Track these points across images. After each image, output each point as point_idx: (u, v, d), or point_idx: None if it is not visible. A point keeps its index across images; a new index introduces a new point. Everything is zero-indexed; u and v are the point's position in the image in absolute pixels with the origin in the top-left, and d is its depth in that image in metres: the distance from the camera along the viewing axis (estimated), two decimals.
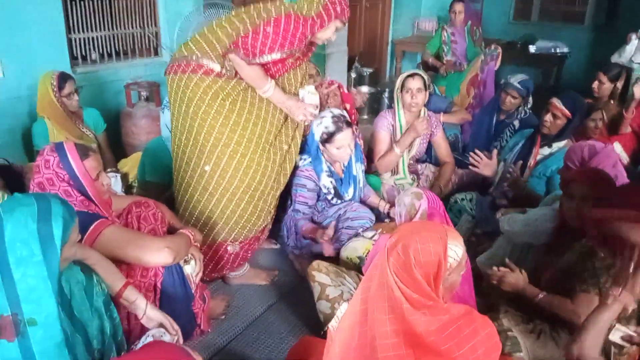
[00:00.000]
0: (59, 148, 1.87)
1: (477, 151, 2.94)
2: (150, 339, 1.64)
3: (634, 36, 2.47)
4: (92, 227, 1.84)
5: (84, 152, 1.91)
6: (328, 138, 2.63)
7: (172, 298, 2.00)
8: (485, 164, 2.91)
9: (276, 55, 2.34)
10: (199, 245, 2.24)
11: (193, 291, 2.11)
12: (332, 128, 2.61)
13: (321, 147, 2.69)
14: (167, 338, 1.69)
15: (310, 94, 2.55)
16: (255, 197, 2.46)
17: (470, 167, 2.97)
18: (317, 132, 2.65)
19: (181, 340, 1.81)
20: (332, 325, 1.47)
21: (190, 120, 2.35)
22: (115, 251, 1.87)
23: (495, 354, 1.31)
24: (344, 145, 2.65)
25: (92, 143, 3.40)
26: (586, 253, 1.89)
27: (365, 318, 1.32)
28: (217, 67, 2.32)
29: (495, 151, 3.01)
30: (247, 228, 2.50)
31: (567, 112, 2.79)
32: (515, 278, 2.01)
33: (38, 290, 1.34)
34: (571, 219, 2.06)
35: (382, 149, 3.28)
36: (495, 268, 2.08)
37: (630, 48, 2.51)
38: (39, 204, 1.40)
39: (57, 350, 1.36)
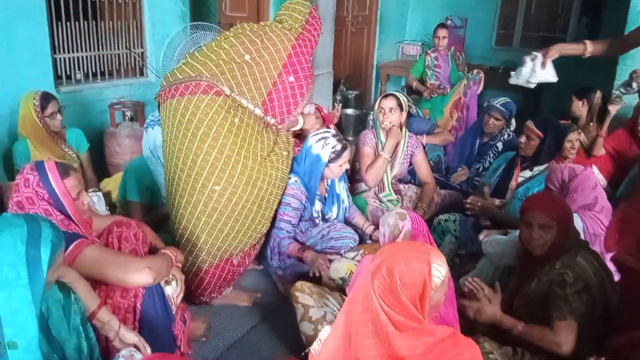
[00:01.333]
0: (39, 167, 1.85)
1: (472, 197, 2.98)
2: (121, 359, 1.61)
3: (528, 59, 2.58)
4: (72, 246, 1.81)
5: (64, 170, 1.89)
6: (335, 157, 2.66)
7: (152, 320, 1.97)
8: (483, 205, 2.95)
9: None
10: (180, 265, 2.21)
11: (174, 312, 2.08)
12: (339, 147, 2.66)
13: (327, 169, 2.70)
14: (137, 357, 1.65)
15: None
16: (262, 206, 2.49)
17: (467, 212, 3.01)
18: (325, 154, 2.65)
19: None
20: (315, 348, 1.45)
21: (199, 142, 2.29)
22: (94, 271, 1.84)
23: None
24: (346, 162, 2.72)
25: (75, 163, 3.36)
26: (557, 281, 1.91)
27: (348, 342, 1.31)
28: (227, 90, 2.34)
29: (486, 189, 3.07)
30: (248, 239, 2.51)
31: (538, 132, 2.90)
32: (493, 309, 2.01)
33: (21, 314, 1.32)
34: (529, 246, 2.04)
35: (365, 161, 3.32)
36: (469, 285, 2.09)
37: (525, 70, 2.62)
38: (29, 227, 1.38)
39: None
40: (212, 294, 2.53)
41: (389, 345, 1.25)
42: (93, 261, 1.84)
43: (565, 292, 1.87)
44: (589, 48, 2.57)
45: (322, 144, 2.66)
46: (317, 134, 2.70)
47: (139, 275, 1.89)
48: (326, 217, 2.82)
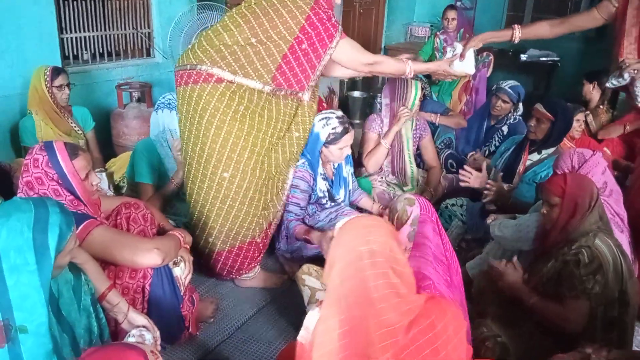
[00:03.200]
0: (48, 147, 1.86)
1: (466, 167, 2.96)
2: (131, 339, 1.63)
3: (448, 48, 2.59)
4: (81, 227, 1.82)
5: (73, 151, 1.89)
6: (334, 139, 2.64)
7: (161, 300, 1.99)
8: (475, 178, 2.92)
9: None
10: (188, 247, 2.23)
11: (182, 293, 2.10)
12: (339, 129, 2.63)
13: (324, 148, 2.69)
14: (148, 336, 1.67)
15: None
16: (273, 186, 2.51)
17: (460, 183, 2.98)
18: (324, 133, 2.64)
19: (159, 342, 1.79)
20: (303, 336, 1.40)
21: (205, 130, 2.30)
22: (103, 251, 1.86)
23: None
24: (347, 146, 2.68)
25: (81, 139, 3.40)
26: (572, 261, 1.91)
27: (347, 330, 1.25)
28: (228, 76, 2.29)
29: (484, 162, 3.03)
30: (265, 220, 2.54)
31: (548, 115, 2.84)
32: (516, 276, 2.05)
33: (30, 298, 1.33)
34: (545, 222, 2.09)
35: (369, 146, 3.31)
36: (499, 262, 2.12)
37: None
38: (37, 212, 1.39)
39: (47, 359, 1.35)
40: (241, 271, 2.58)
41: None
42: (102, 242, 1.86)
43: (580, 272, 1.88)
44: (517, 33, 2.54)
45: (324, 123, 2.64)
46: (322, 113, 2.69)
47: (147, 256, 1.91)
48: (335, 198, 2.81)
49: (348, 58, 2.42)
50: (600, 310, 1.91)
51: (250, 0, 2.34)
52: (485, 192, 2.86)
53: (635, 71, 2.50)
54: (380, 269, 1.23)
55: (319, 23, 2.28)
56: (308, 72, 2.36)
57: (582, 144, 3.37)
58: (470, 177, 2.92)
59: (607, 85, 2.71)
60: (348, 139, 2.67)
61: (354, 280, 1.23)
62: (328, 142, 2.66)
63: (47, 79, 3.19)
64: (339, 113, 2.73)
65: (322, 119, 2.65)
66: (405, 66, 2.54)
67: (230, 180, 2.35)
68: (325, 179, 2.77)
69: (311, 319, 1.38)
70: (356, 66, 2.50)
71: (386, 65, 2.55)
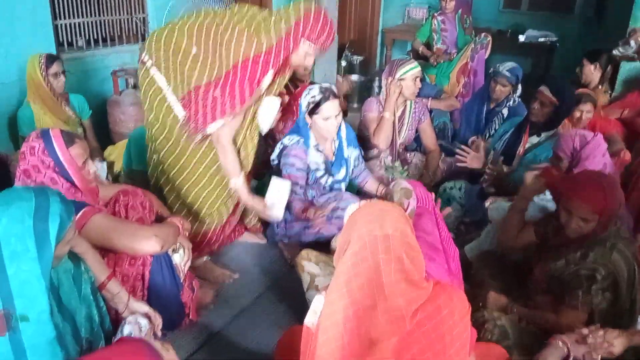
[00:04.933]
0: (44, 134, 1.85)
1: (463, 147, 2.95)
2: (127, 326, 1.63)
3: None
4: (79, 215, 1.82)
5: (69, 138, 1.88)
6: (315, 107, 2.62)
7: (160, 287, 1.99)
8: (472, 157, 2.91)
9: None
10: (187, 234, 2.23)
11: (182, 280, 2.10)
12: (318, 97, 2.61)
13: (308, 119, 2.67)
14: (143, 323, 1.68)
15: (268, 104, 2.48)
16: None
17: (457, 163, 2.97)
18: (304, 102, 2.65)
19: (159, 329, 1.80)
20: (311, 321, 1.38)
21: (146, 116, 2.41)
22: (102, 239, 1.86)
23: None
24: (331, 116, 2.63)
25: (78, 127, 3.38)
26: (587, 275, 1.87)
27: (356, 310, 1.24)
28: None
29: (482, 143, 3.02)
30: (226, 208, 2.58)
31: (553, 99, 2.83)
32: (497, 300, 2.04)
33: (31, 286, 1.33)
34: (566, 229, 1.95)
35: (374, 127, 3.27)
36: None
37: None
38: (37, 200, 1.38)
39: (49, 347, 1.36)
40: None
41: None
42: (100, 229, 1.86)
43: (590, 287, 1.84)
44: None
45: (306, 93, 2.65)
46: (312, 86, 2.71)
47: (146, 243, 1.91)
48: (333, 174, 2.80)
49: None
50: (608, 322, 1.87)
51: (226, 12, 2.35)
52: (486, 176, 2.86)
53: None
54: (394, 254, 1.23)
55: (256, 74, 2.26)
56: (208, 118, 2.30)
57: (598, 122, 3.34)
58: (467, 157, 2.91)
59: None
60: (329, 107, 2.61)
61: (367, 263, 1.23)
62: (310, 112, 2.64)
63: (43, 67, 3.16)
64: (326, 85, 2.72)
65: (306, 90, 2.67)
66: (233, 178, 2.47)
67: (171, 165, 2.48)
68: (319, 150, 2.75)
69: (318, 303, 1.37)
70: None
71: (223, 158, 2.44)
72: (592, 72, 3.80)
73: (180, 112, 2.34)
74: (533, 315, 1.95)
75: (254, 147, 2.59)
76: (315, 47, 2.34)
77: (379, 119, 3.27)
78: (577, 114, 3.04)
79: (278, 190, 2.48)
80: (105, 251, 1.91)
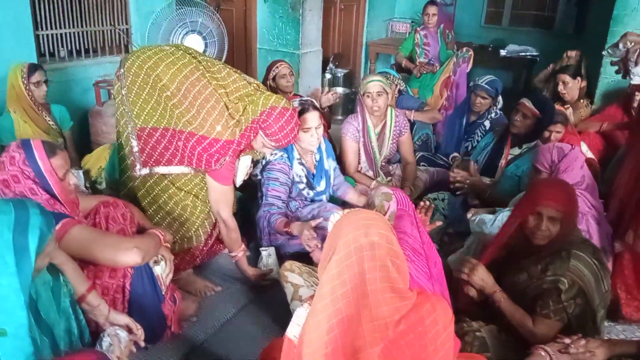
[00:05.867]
0: (25, 144, 1.83)
1: (455, 170, 2.99)
2: (106, 339, 1.60)
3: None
4: (58, 226, 1.78)
5: (51, 149, 1.86)
6: None
7: (142, 299, 1.96)
8: (463, 177, 2.96)
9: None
10: (169, 245, 2.20)
11: (163, 292, 2.07)
12: (298, 108, 2.62)
13: None
14: (122, 335, 1.65)
15: (242, 160, 2.48)
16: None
17: (450, 179, 3.01)
18: None
19: (142, 340, 1.78)
20: (293, 334, 1.35)
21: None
22: (82, 251, 1.83)
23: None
24: (311, 127, 2.66)
25: (58, 138, 3.35)
26: (551, 288, 1.88)
27: (344, 319, 1.22)
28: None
29: (472, 163, 3.06)
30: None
31: (536, 111, 2.88)
32: (488, 274, 2.02)
33: (9, 301, 1.31)
34: (532, 235, 1.97)
35: (349, 157, 3.31)
36: (469, 258, 2.08)
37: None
38: (17, 213, 1.36)
39: None
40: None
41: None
42: (80, 241, 1.83)
43: (560, 299, 1.86)
44: None
45: None
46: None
47: (127, 255, 1.88)
48: (314, 186, 2.80)
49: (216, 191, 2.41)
50: (581, 325, 1.91)
51: (212, 67, 2.33)
52: (455, 180, 2.89)
53: (632, 43, 2.47)
54: (379, 262, 1.22)
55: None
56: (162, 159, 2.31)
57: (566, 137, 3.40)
58: (458, 176, 2.95)
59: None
60: (309, 118, 2.64)
61: (352, 271, 1.22)
62: None
63: (24, 75, 3.14)
64: (305, 98, 2.76)
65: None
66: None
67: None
68: (301, 164, 2.76)
69: (301, 315, 1.36)
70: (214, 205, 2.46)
71: (226, 232, 2.49)
72: (577, 88, 3.83)
73: (133, 140, 2.33)
74: (514, 311, 1.94)
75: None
76: (270, 142, 2.35)
77: (356, 150, 3.31)
78: (547, 134, 3.07)
79: (269, 255, 2.57)
80: (85, 263, 1.88)
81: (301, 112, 2.62)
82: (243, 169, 2.49)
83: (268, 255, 2.54)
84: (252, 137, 2.33)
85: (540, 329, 1.88)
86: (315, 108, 2.68)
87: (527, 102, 2.91)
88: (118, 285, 1.92)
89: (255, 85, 2.41)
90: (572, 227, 1.98)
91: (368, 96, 3.20)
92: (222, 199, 2.41)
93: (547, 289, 1.88)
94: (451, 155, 3.73)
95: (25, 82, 3.15)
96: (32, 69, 3.18)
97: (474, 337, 1.92)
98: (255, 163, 2.71)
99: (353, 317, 1.21)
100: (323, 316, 1.22)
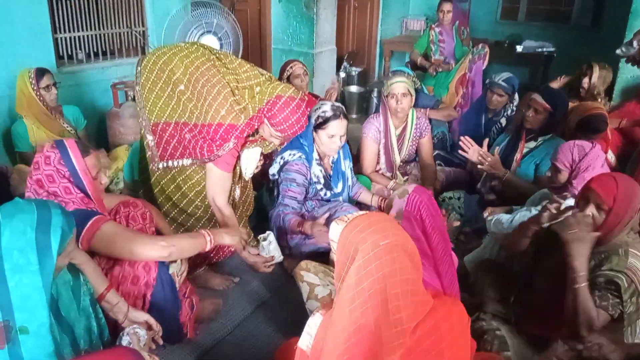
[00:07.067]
0: (59, 145, 1.87)
1: (467, 137, 2.95)
2: (125, 337, 1.63)
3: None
4: (90, 222, 1.82)
5: (85, 149, 1.91)
6: (323, 123, 2.65)
7: (161, 308, 1.97)
8: (474, 150, 2.91)
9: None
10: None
11: (179, 292, 2.09)
12: (329, 113, 2.64)
13: (314, 133, 2.70)
14: (142, 333, 1.67)
15: (250, 152, 2.47)
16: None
17: (459, 151, 2.97)
18: (314, 116, 2.67)
19: (160, 337, 1.81)
20: (305, 344, 1.33)
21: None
22: (111, 245, 1.86)
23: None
24: (336, 135, 2.67)
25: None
26: (611, 282, 1.79)
27: (354, 331, 1.21)
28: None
29: (486, 140, 3.02)
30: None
31: (547, 105, 2.86)
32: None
33: (32, 299, 1.33)
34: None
35: (369, 158, 3.29)
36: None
37: None
38: (39, 213, 1.39)
39: None
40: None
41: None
42: (111, 236, 1.86)
43: (620, 294, 1.77)
44: None
45: (317, 107, 2.69)
46: (321, 101, 2.75)
47: (153, 249, 1.91)
48: (332, 188, 2.81)
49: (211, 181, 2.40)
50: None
51: (225, 62, 2.33)
52: (480, 159, 2.85)
53: None
54: (399, 265, 1.20)
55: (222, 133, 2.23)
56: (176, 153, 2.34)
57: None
58: (470, 148, 2.91)
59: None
60: (337, 125, 2.65)
61: (372, 277, 1.19)
62: (317, 126, 2.67)
63: (33, 81, 3.13)
64: (337, 104, 2.75)
65: (318, 104, 2.70)
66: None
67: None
68: (320, 164, 2.77)
69: (313, 324, 1.33)
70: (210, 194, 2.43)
71: (222, 220, 2.44)
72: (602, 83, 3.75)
73: (148, 135, 2.37)
74: (586, 296, 1.80)
75: (246, 189, 2.66)
76: (276, 132, 2.34)
77: (376, 151, 3.29)
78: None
79: (269, 243, 2.50)
80: (108, 269, 1.91)
81: (330, 118, 2.63)
82: (252, 161, 2.48)
83: (268, 243, 2.49)
84: (256, 126, 2.32)
85: (598, 319, 1.77)
86: (345, 117, 2.69)
87: (537, 98, 2.90)
88: (139, 292, 1.94)
89: (267, 76, 2.41)
90: (622, 225, 1.87)
91: (392, 97, 3.15)
92: (219, 184, 2.38)
93: (605, 281, 1.80)
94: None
95: (35, 87, 3.14)
96: (40, 73, 3.17)
97: (494, 336, 1.91)
98: (266, 157, 2.70)
99: (372, 325, 1.19)
100: (342, 326, 1.20)
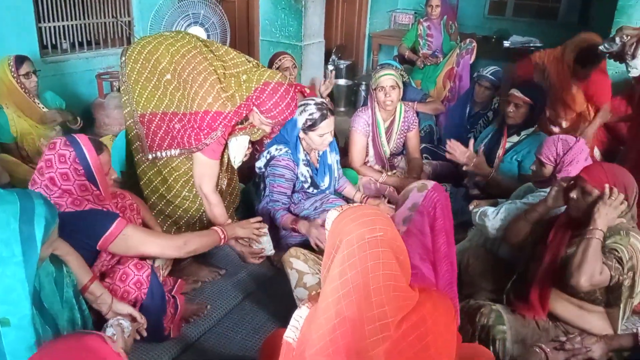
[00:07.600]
0: (73, 142, 1.86)
1: (453, 140, 2.98)
2: (109, 329, 1.61)
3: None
4: (113, 226, 1.81)
5: (98, 146, 1.91)
6: (312, 125, 2.62)
7: (149, 312, 1.95)
8: (461, 152, 2.94)
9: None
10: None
11: (161, 280, 2.09)
12: (316, 115, 2.61)
13: (302, 134, 2.67)
14: (126, 325, 1.66)
15: (238, 141, 2.45)
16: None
17: (447, 155, 2.99)
18: (301, 119, 2.63)
19: (144, 329, 1.81)
20: (290, 337, 1.32)
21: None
22: (131, 247, 1.87)
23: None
24: (327, 133, 2.65)
25: (55, 128, 3.32)
26: (613, 252, 1.82)
27: (338, 323, 1.19)
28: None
29: (472, 141, 3.05)
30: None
31: (527, 99, 2.92)
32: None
33: (15, 291, 1.31)
34: (569, 207, 1.99)
35: (357, 151, 3.29)
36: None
37: None
38: (22, 203, 1.37)
39: (29, 353, 1.33)
40: None
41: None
42: (132, 238, 1.86)
43: (622, 262, 1.79)
44: None
45: (302, 109, 2.63)
46: (303, 100, 2.68)
47: (170, 249, 1.96)
48: (319, 185, 2.81)
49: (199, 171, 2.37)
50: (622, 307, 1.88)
51: (212, 50, 2.31)
52: (466, 160, 2.88)
53: (627, 37, 2.44)
54: (383, 259, 1.19)
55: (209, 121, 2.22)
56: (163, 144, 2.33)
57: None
58: (457, 151, 2.93)
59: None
60: (327, 125, 2.63)
61: (355, 270, 1.18)
62: (306, 129, 2.64)
63: (12, 69, 3.09)
64: (319, 100, 2.72)
65: (301, 105, 2.63)
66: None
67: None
68: (307, 164, 2.76)
69: (299, 317, 1.32)
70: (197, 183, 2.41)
71: (209, 208, 2.43)
72: None
73: (137, 126, 2.36)
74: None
75: (232, 180, 2.66)
76: (267, 119, 2.31)
77: (364, 144, 3.29)
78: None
79: (264, 235, 2.49)
80: (102, 275, 1.91)
81: (318, 120, 2.59)
82: (241, 149, 2.46)
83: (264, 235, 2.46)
84: (244, 114, 2.31)
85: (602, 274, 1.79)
86: (332, 113, 2.67)
87: (516, 93, 2.97)
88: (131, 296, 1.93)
89: (254, 63, 2.38)
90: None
91: (381, 90, 3.14)
92: (206, 172, 2.35)
93: (609, 250, 1.82)
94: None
95: (14, 75, 3.09)
96: (19, 61, 3.12)
97: (490, 309, 1.95)
98: (254, 150, 2.68)
99: (355, 317, 1.18)
100: (325, 317, 1.19)
